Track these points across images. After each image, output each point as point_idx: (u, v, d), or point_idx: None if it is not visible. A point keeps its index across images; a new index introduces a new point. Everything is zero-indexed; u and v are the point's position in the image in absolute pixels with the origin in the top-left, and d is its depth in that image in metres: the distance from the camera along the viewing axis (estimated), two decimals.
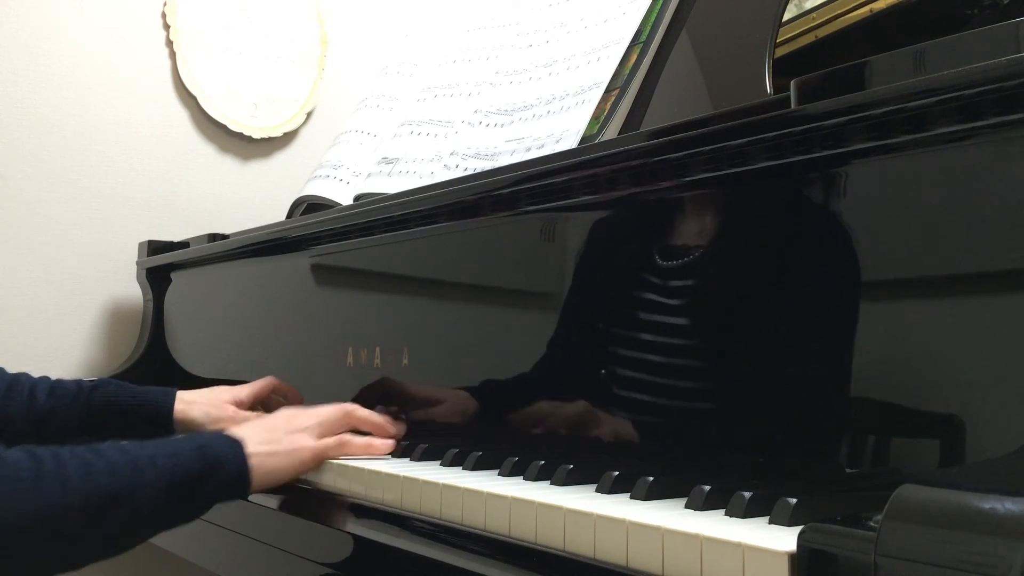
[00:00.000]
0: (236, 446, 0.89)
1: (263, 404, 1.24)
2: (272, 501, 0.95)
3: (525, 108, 1.15)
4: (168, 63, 1.87)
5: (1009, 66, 0.56)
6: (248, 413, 1.19)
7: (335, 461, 0.93)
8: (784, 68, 0.93)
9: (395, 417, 1.04)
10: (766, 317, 0.73)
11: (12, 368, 1.20)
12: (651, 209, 0.84)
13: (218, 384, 1.24)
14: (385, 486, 0.84)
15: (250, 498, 0.98)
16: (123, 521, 0.81)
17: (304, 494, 0.96)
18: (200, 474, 0.85)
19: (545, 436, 0.90)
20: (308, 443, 0.94)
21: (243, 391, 1.22)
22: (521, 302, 0.97)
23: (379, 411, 1.05)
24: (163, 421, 1.18)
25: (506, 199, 0.96)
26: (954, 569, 0.42)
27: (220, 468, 0.87)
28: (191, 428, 1.17)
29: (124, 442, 0.86)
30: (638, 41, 1.07)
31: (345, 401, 1.13)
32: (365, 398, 1.13)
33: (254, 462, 0.89)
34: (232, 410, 1.19)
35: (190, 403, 1.19)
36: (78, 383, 1.20)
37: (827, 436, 0.68)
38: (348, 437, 0.97)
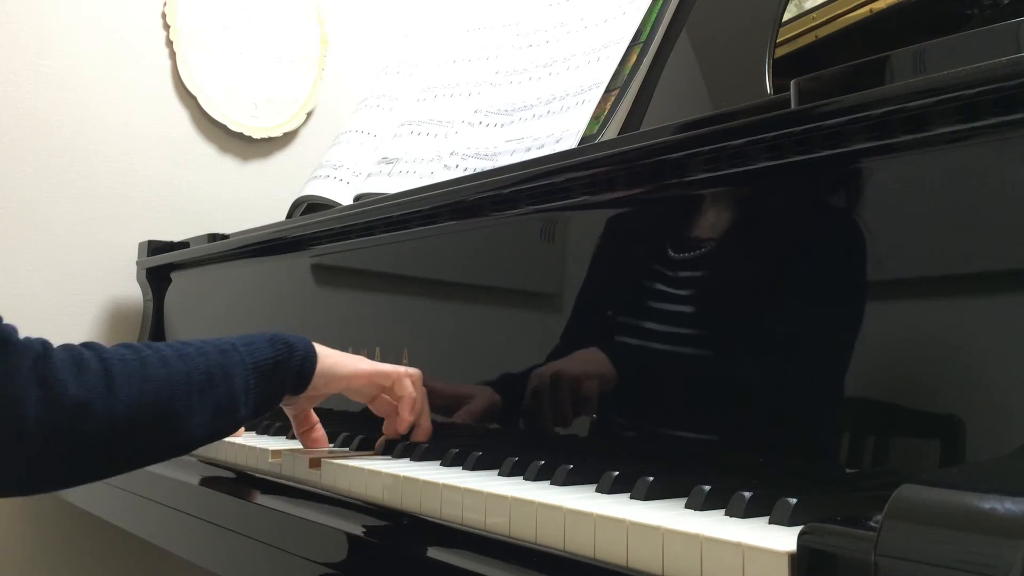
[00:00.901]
0: (304, 339, 0.96)
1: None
2: (272, 501, 0.95)
3: (525, 108, 1.15)
4: (168, 63, 1.88)
5: (1009, 66, 0.56)
6: None
7: (335, 461, 0.93)
8: (784, 68, 0.93)
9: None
10: (766, 317, 0.73)
11: None
12: (651, 209, 0.84)
13: None
14: (385, 486, 0.84)
15: (251, 498, 0.98)
16: (220, 401, 0.87)
17: (304, 494, 0.96)
18: (276, 358, 0.92)
19: (545, 436, 0.90)
20: (368, 362, 1.00)
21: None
22: (521, 302, 0.97)
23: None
24: None
25: (506, 199, 0.96)
26: (954, 569, 0.42)
27: (293, 353, 0.93)
28: None
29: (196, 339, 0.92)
30: (638, 41, 1.07)
31: (347, 406, 1.14)
32: None
33: (320, 356, 0.95)
34: None
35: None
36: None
37: (827, 436, 0.68)
38: (404, 372, 1.00)
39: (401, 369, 1.01)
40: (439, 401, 1.04)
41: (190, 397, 0.84)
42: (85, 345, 0.83)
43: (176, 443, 0.86)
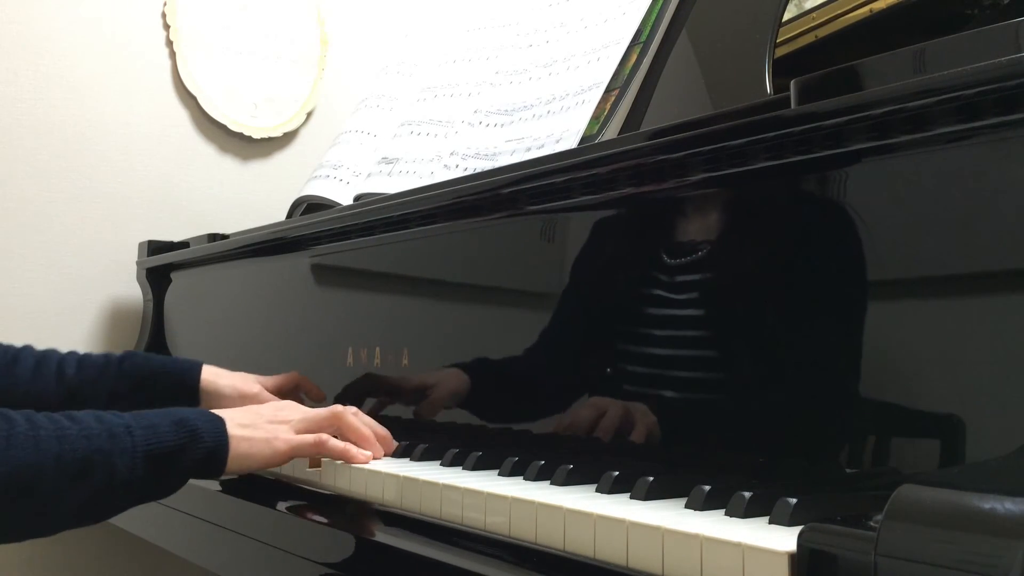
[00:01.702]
0: (217, 422, 0.89)
1: (285, 398, 1.22)
2: (272, 500, 0.95)
3: (525, 108, 1.15)
4: (168, 63, 1.87)
5: (1009, 66, 0.56)
6: (270, 396, 1.19)
7: (336, 461, 0.93)
8: (784, 68, 0.93)
9: (396, 424, 1.03)
10: (766, 317, 0.73)
11: None
12: (651, 209, 0.84)
13: None
14: (385, 486, 0.84)
15: (251, 498, 0.98)
16: (97, 488, 0.81)
17: (304, 494, 0.96)
18: (176, 447, 0.85)
19: (545, 436, 0.90)
20: (285, 435, 0.93)
21: (268, 382, 1.22)
22: (521, 302, 0.97)
23: (381, 418, 1.05)
24: (190, 390, 1.19)
25: (506, 199, 0.96)
26: (954, 569, 0.42)
27: (198, 443, 0.86)
28: (217, 398, 1.18)
29: (102, 411, 0.86)
30: (638, 41, 1.07)
31: (346, 401, 1.14)
32: (374, 393, 1.13)
33: (232, 443, 0.89)
34: (258, 387, 1.19)
35: (218, 375, 1.21)
36: (106, 356, 1.22)
37: (827, 436, 0.68)
38: (326, 437, 0.94)
39: (328, 411, 0.96)
40: (435, 399, 1.04)
41: (57, 484, 0.79)
42: None
43: (31, 528, 0.81)
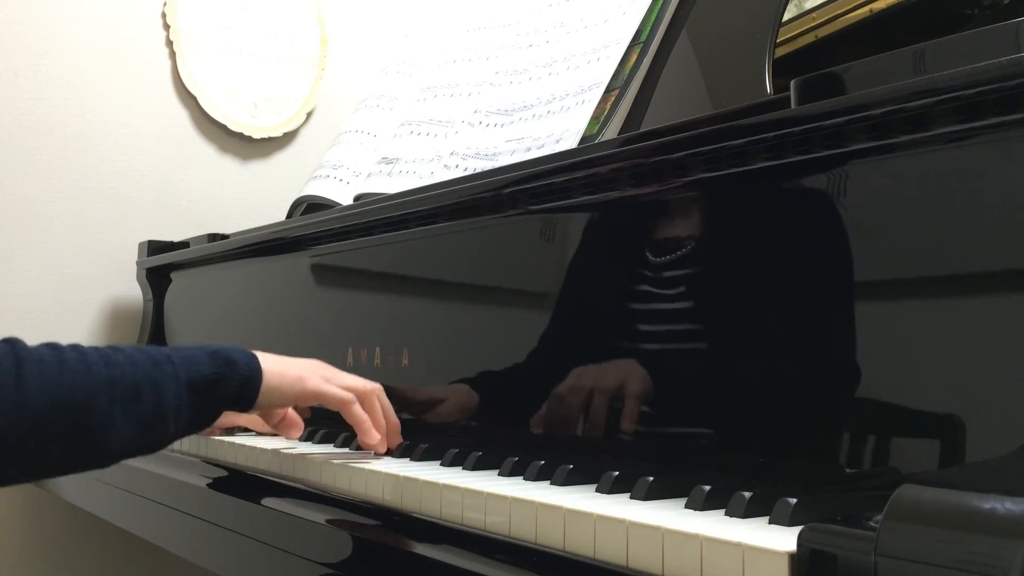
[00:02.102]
0: (249, 354, 0.91)
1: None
2: (271, 500, 0.95)
3: (525, 108, 1.15)
4: (168, 63, 1.88)
5: (1009, 66, 0.56)
6: None
7: (336, 461, 0.93)
8: (784, 68, 0.93)
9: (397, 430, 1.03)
10: (767, 317, 0.73)
11: None
12: (651, 209, 0.84)
13: None
14: (385, 486, 0.84)
15: (250, 497, 0.98)
16: (148, 412, 0.82)
17: (304, 493, 0.96)
18: (215, 374, 0.87)
19: (545, 436, 0.90)
20: (315, 380, 0.95)
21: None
22: (521, 302, 0.97)
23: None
24: None
25: (506, 199, 0.96)
26: (954, 569, 0.42)
27: (234, 371, 0.88)
28: None
29: (141, 346, 0.88)
30: (638, 41, 1.07)
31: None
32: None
33: (265, 375, 0.91)
34: None
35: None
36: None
37: (827, 436, 0.68)
38: (352, 398, 0.95)
39: (359, 387, 0.96)
40: (437, 403, 1.04)
41: (111, 407, 0.80)
42: (5, 340, 0.80)
43: (91, 454, 0.81)
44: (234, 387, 0.88)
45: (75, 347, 0.82)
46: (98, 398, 0.79)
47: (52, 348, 0.81)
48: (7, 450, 0.76)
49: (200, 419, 0.88)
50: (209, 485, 1.08)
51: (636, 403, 0.82)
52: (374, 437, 0.96)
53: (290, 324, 1.34)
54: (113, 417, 0.80)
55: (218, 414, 0.89)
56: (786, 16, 1.13)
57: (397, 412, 1.08)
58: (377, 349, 1.12)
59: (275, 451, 1.04)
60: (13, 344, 0.79)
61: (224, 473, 1.11)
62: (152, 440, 0.84)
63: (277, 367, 0.93)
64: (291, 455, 1.00)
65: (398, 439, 1.00)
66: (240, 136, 1.94)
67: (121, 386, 0.81)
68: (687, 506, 0.64)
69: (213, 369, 0.87)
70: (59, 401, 0.77)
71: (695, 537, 0.55)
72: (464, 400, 1.01)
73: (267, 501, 0.96)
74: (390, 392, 1.10)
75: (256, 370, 0.90)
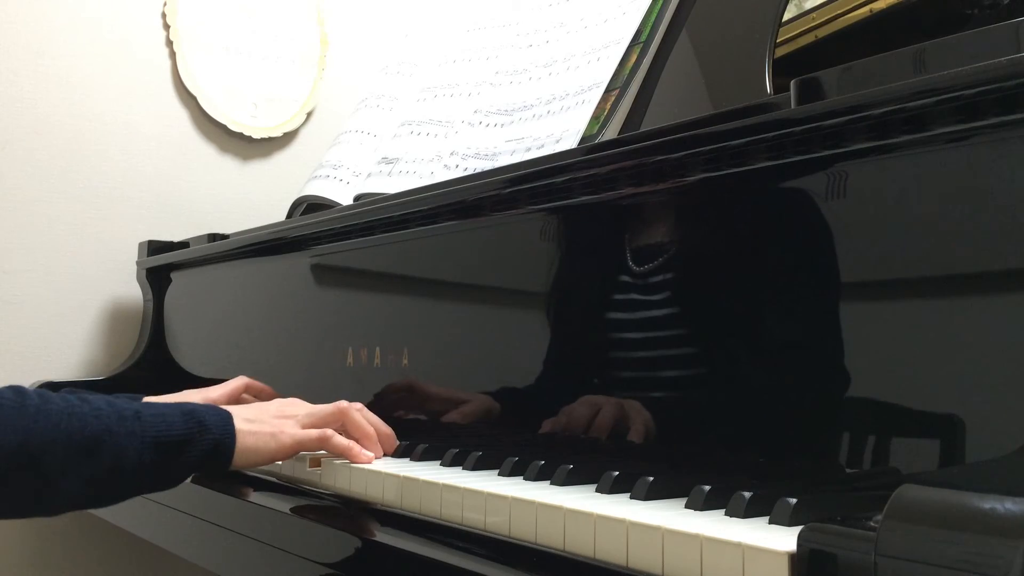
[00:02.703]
0: (223, 416, 0.89)
1: (237, 402, 1.18)
2: (271, 500, 0.95)
3: (525, 108, 1.15)
4: (168, 63, 1.88)
5: (1009, 66, 0.56)
6: None
7: (336, 461, 0.93)
8: (784, 68, 0.93)
9: (398, 424, 1.03)
10: (766, 317, 0.73)
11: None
12: (651, 209, 0.84)
13: (218, 383, 1.23)
14: (385, 486, 0.84)
15: (251, 497, 0.98)
16: (104, 468, 0.81)
17: (304, 494, 0.96)
18: (184, 436, 0.85)
19: (545, 436, 0.90)
20: (291, 430, 0.93)
21: (214, 393, 1.17)
22: (521, 302, 0.97)
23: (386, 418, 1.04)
24: None
25: (506, 199, 0.96)
26: (954, 569, 0.42)
27: (205, 433, 0.87)
28: None
29: (111, 396, 0.87)
30: (638, 41, 1.07)
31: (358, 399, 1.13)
32: (379, 397, 1.13)
33: (238, 436, 0.89)
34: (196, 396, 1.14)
35: (160, 400, 1.13)
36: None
37: (827, 436, 0.68)
38: (331, 433, 0.94)
39: (334, 407, 0.96)
40: (439, 403, 1.04)
41: (65, 459, 0.79)
42: None
43: (36, 503, 0.81)
44: (206, 448, 0.87)
45: (40, 393, 0.82)
46: (53, 448, 0.78)
47: (15, 391, 0.80)
48: None
49: (164, 479, 0.87)
50: (208, 485, 1.08)
51: (638, 404, 0.81)
52: (373, 440, 0.96)
53: (290, 324, 1.34)
54: (65, 470, 0.79)
55: (186, 474, 0.88)
56: (786, 16, 1.13)
57: (397, 411, 1.08)
58: (377, 349, 1.12)
59: None
60: None
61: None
62: (103, 496, 0.84)
63: (250, 427, 0.91)
64: None
65: (394, 444, 0.99)
66: (240, 136, 1.94)
67: (80, 438, 0.80)
68: (687, 506, 0.64)
69: (184, 429, 0.86)
70: (12, 445, 0.76)
71: (695, 537, 0.55)
72: (462, 400, 1.01)
73: (267, 500, 0.96)
74: (389, 389, 1.10)
75: (229, 433, 0.89)
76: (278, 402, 0.99)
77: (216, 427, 0.88)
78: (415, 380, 1.07)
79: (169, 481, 0.88)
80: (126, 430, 0.82)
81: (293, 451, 0.94)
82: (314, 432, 0.94)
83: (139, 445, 0.82)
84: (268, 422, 0.93)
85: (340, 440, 0.94)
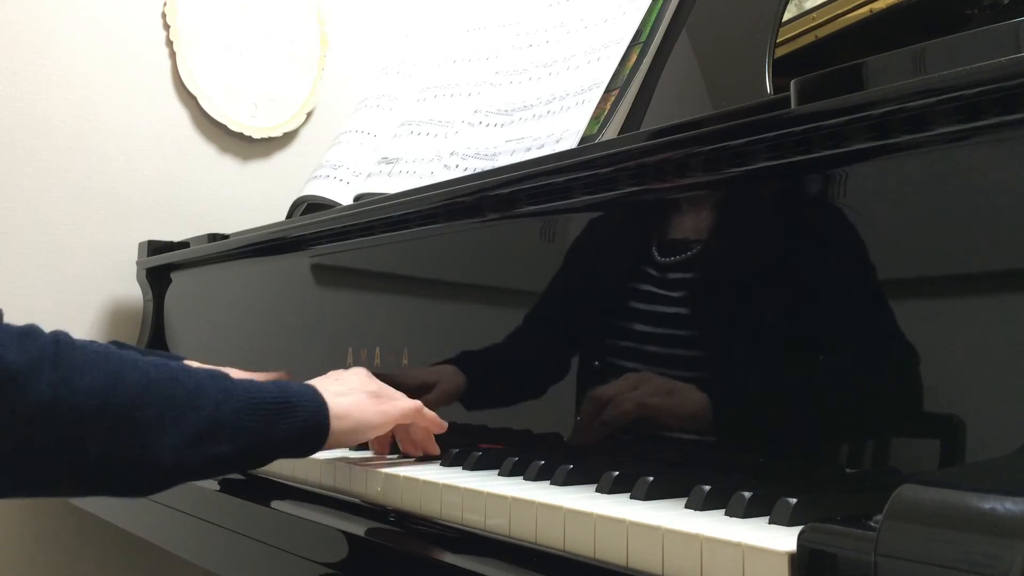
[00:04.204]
0: (308, 388, 0.82)
1: None
2: (272, 500, 0.95)
3: (525, 108, 1.15)
4: (168, 63, 1.88)
5: (1009, 66, 0.56)
6: None
7: (336, 461, 0.93)
8: (784, 68, 0.93)
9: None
10: (766, 317, 0.73)
11: None
12: (651, 209, 0.84)
13: None
14: (385, 486, 0.84)
15: (251, 498, 0.98)
16: (200, 424, 0.71)
17: (304, 494, 0.96)
18: (280, 401, 0.77)
19: (545, 435, 0.90)
20: (394, 400, 0.89)
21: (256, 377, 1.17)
22: (521, 302, 0.97)
23: None
24: None
25: (506, 199, 0.96)
26: (954, 569, 0.42)
27: (299, 401, 0.78)
28: None
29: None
30: (638, 41, 1.07)
31: None
32: None
33: (332, 406, 0.81)
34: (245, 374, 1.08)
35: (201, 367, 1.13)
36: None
37: (827, 436, 0.68)
38: (421, 404, 0.91)
39: (410, 407, 0.90)
40: (436, 398, 1.04)
41: (160, 410, 0.69)
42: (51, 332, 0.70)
43: (134, 463, 0.69)
44: (303, 416, 0.78)
45: (122, 345, 0.74)
46: (149, 398, 0.69)
47: (102, 345, 0.72)
48: (43, 439, 0.64)
49: (259, 448, 0.76)
50: (208, 485, 1.08)
51: (638, 403, 0.81)
52: (441, 423, 0.93)
53: (290, 324, 1.34)
54: (163, 423, 0.69)
55: (281, 448, 0.78)
56: (786, 16, 1.13)
57: None
58: (377, 349, 1.12)
59: None
60: (56, 332, 0.69)
61: None
62: (205, 458, 0.72)
63: (341, 399, 0.83)
64: None
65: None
66: (240, 136, 1.94)
67: (177, 390, 0.71)
68: (687, 506, 0.64)
69: (278, 393, 0.77)
70: (102, 390, 0.66)
71: (695, 537, 0.55)
72: (463, 398, 1.01)
73: (267, 501, 0.96)
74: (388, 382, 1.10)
75: (321, 403, 0.80)
76: (356, 372, 0.92)
77: (307, 395, 0.79)
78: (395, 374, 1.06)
79: (263, 453, 0.77)
80: (220, 387, 0.74)
81: (395, 422, 0.88)
82: (412, 403, 0.89)
83: (236, 404, 0.74)
84: (361, 394, 0.86)
85: (429, 412, 0.91)
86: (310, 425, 0.79)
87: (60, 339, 0.68)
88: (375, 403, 0.86)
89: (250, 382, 0.78)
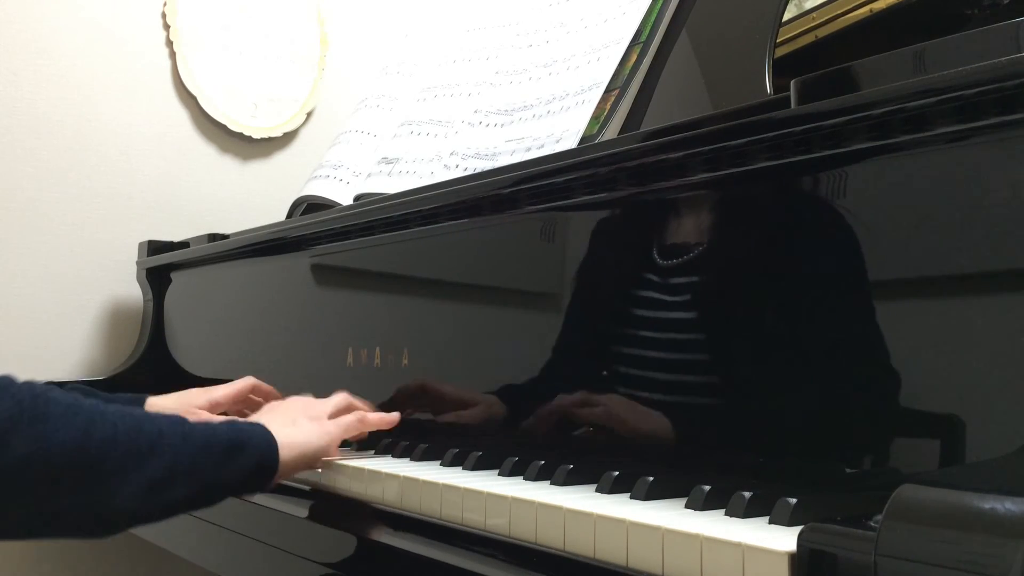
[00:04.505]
0: (256, 426, 0.86)
1: (243, 406, 1.18)
2: (272, 501, 0.95)
3: (525, 108, 1.15)
4: (168, 63, 1.87)
5: (1009, 66, 0.56)
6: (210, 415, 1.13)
7: (336, 460, 0.93)
8: (784, 68, 0.93)
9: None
10: (766, 317, 0.73)
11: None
12: (651, 209, 0.84)
13: (219, 384, 1.23)
14: (385, 486, 0.84)
15: (251, 498, 0.98)
16: (160, 471, 0.76)
17: (304, 494, 0.96)
18: (232, 440, 0.82)
19: (545, 436, 0.90)
20: (329, 422, 0.94)
21: (219, 392, 1.16)
22: (521, 302, 0.97)
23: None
24: None
25: (506, 199, 0.96)
26: (954, 569, 0.42)
27: (251, 437, 0.84)
28: None
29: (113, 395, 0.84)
30: (638, 41, 1.07)
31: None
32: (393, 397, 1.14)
33: (280, 437, 0.86)
34: (205, 415, 1.12)
35: (161, 409, 1.12)
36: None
37: (827, 436, 0.68)
38: (363, 413, 0.98)
39: (344, 398, 0.99)
40: (440, 403, 1.04)
41: (124, 458, 0.74)
42: (25, 382, 0.74)
43: (99, 512, 0.74)
44: (253, 452, 0.83)
45: (90, 392, 0.81)
46: (113, 447, 0.74)
47: (66, 394, 0.76)
48: (17, 489, 0.69)
49: (210, 489, 0.81)
50: None
51: (639, 403, 0.81)
52: (389, 419, 1.00)
53: (290, 324, 1.34)
54: (124, 472, 0.74)
55: (232, 487, 0.83)
56: (786, 16, 1.13)
57: (397, 409, 1.08)
58: (377, 349, 1.12)
59: None
60: (32, 384, 0.73)
61: None
62: (159, 505, 0.77)
63: (290, 428, 0.89)
64: None
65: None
66: (240, 136, 1.94)
67: (137, 437, 0.75)
68: (687, 506, 0.64)
69: (230, 434, 0.82)
70: (74, 443, 0.71)
71: (695, 537, 0.55)
72: (462, 400, 1.01)
73: (267, 500, 0.96)
74: (403, 391, 1.10)
75: (270, 439, 0.85)
76: (297, 400, 0.98)
77: (256, 433, 0.84)
78: (428, 381, 1.07)
79: (214, 493, 0.82)
80: (177, 432, 0.78)
81: (339, 440, 0.95)
82: (351, 417, 0.97)
83: (191, 449, 0.78)
84: (303, 421, 0.92)
85: (371, 415, 0.99)
86: (262, 462, 0.84)
87: (36, 392, 0.72)
88: (316, 428, 0.92)
89: (205, 425, 0.82)
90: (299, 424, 0.91)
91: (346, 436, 0.96)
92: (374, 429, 0.99)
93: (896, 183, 0.64)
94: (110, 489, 0.73)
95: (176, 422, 0.80)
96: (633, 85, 1.04)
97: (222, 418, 0.95)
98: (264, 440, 0.85)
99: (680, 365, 0.79)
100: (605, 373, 0.85)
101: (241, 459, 0.82)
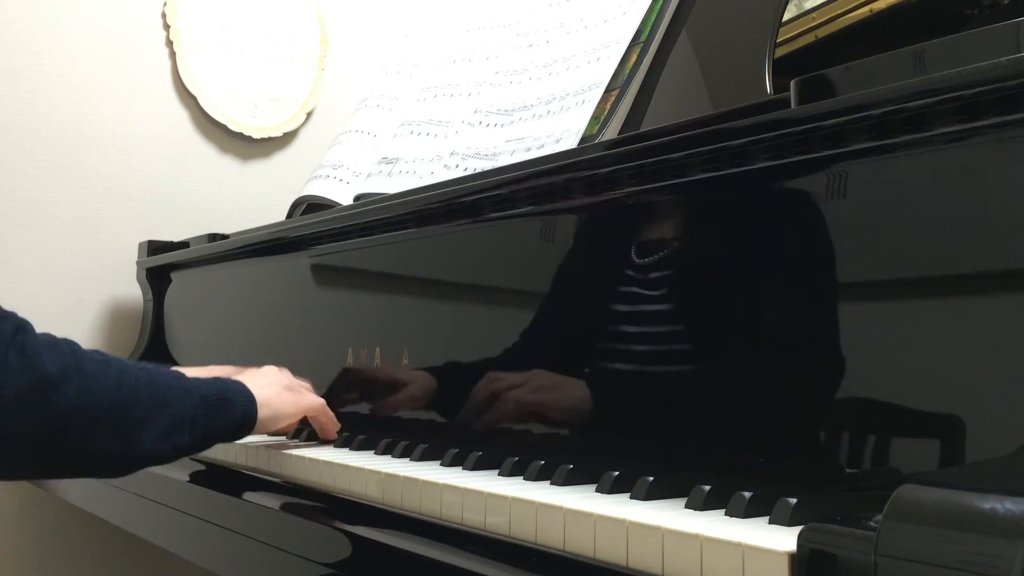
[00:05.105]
0: (239, 384, 0.97)
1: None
2: (272, 500, 0.95)
3: (525, 108, 1.15)
4: (168, 63, 1.88)
5: (1009, 66, 0.56)
6: None
7: (336, 460, 0.93)
8: (784, 68, 0.93)
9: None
10: (766, 317, 0.73)
11: None
12: (651, 209, 0.84)
13: None
14: (385, 486, 0.84)
15: (251, 498, 0.98)
16: (172, 420, 0.87)
17: (303, 494, 0.96)
18: (221, 393, 0.93)
19: (545, 436, 0.90)
20: (307, 394, 1.06)
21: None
22: (521, 302, 0.97)
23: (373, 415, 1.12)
24: None
25: (506, 199, 0.96)
26: (954, 569, 0.42)
27: (235, 397, 0.95)
28: None
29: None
30: (638, 41, 1.07)
31: (350, 407, 1.14)
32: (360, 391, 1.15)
33: (258, 398, 0.97)
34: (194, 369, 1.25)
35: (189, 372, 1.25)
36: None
37: (827, 436, 0.68)
38: (325, 404, 1.09)
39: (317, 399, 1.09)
40: (435, 398, 1.04)
41: (147, 408, 0.85)
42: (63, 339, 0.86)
43: (125, 453, 0.85)
44: (238, 404, 0.95)
45: (103, 355, 0.88)
46: (139, 398, 0.85)
47: (95, 351, 0.86)
48: (66, 430, 0.80)
49: (208, 437, 0.92)
50: (208, 484, 1.08)
51: (639, 403, 0.81)
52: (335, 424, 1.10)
53: (290, 324, 1.34)
54: (147, 420, 0.85)
55: (219, 435, 0.94)
56: (786, 16, 1.13)
57: (394, 408, 1.09)
58: (377, 349, 1.12)
59: (277, 450, 1.04)
60: (68, 341, 0.85)
61: (223, 472, 1.11)
62: (172, 447, 0.88)
63: (268, 390, 1.00)
64: (292, 454, 1.00)
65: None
66: (240, 136, 1.94)
67: (155, 391, 0.86)
68: (687, 506, 0.64)
69: (219, 388, 0.94)
70: (111, 393, 0.82)
71: (695, 537, 0.55)
72: (458, 400, 1.01)
73: (266, 500, 0.96)
74: (390, 387, 1.11)
75: (249, 397, 0.96)
76: (270, 369, 1.08)
77: (241, 391, 0.96)
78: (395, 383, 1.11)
79: (208, 440, 0.93)
80: (182, 386, 0.90)
81: (305, 412, 1.05)
82: (318, 402, 1.07)
83: (194, 400, 0.89)
84: (279, 388, 1.02)
85: (329, 411, 1.09)
86: (244, 416, 0.96)
87: (75, 349, 0.84)
88: (290, 395, 1.03)
89: (197, 380, 0.93)
90: (275, 388, 1.02)
91: (310, 413, 1.06)
92: (326, 425, 1.08)
93: (896, 183, 0.64)
94: (136, 433, 0.85)
95: (178, 377, 0.92)
96: (633, 85, 1.04)
97: (209, 374, 1.05)
98: (245, 397, 0.96)
99: (680, 365, 0.79)
100: (603, 370, 0.85)
101: (229, 413, 0.94)
